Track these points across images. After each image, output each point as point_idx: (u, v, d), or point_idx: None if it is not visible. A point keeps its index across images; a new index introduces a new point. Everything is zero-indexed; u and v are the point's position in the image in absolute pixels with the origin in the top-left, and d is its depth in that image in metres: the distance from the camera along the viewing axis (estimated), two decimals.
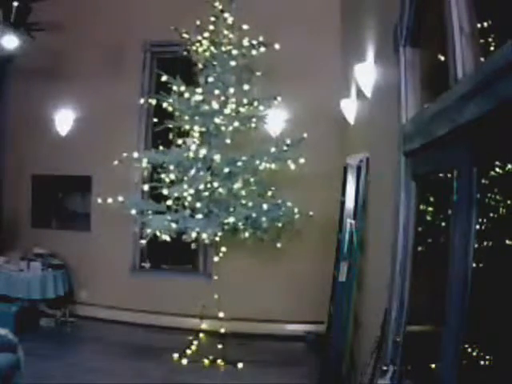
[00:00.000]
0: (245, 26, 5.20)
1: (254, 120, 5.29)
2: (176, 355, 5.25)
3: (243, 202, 5.12)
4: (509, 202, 1.60)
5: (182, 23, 6.64)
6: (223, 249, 5.25)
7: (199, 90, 5.12)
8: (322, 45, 6.37)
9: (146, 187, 5.26)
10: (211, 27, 5.30)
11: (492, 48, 1.65)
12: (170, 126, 5.30)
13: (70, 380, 4.58)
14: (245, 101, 5.22)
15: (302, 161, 5.13)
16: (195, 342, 5.44)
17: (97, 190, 6.99)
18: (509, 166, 1.54)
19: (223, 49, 5.21)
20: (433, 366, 1.87)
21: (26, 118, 7.17)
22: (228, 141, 5.14)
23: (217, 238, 5.09)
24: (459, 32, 1.72)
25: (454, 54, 1.73)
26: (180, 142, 5.30)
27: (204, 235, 4.98)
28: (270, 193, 5.35)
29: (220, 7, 5.26)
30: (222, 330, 5.32)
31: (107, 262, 6.78)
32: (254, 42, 5.25)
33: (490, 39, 1.68)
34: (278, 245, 5.15)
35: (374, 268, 3.74)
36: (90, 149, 6.89)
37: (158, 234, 4.94)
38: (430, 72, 2.42)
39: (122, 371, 4.92)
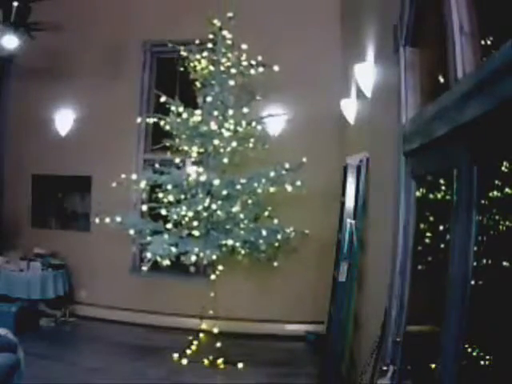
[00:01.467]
0: (244, 46, 5.17)
1: (251, 140, 5.26)
2: (176, 355, 5.25)
3: (242, 225, 5.11)
4: (507, 222, 1.60)
5: (182, 23, 6.66)
6: (220, 267, 5.22)
7: (198, 112, 5.10)
8: (321, 45, 6.37)
9: (144, 207, 5.22)
10: (210, 45, 5.27)
11: (492, 48, 1.65)
12: (167, 144, 5.28)
13: (70, 380, 4.57)
14: (243, 123, 5.19)
15: (298, 183, 5.09)
16: (195, 342, 5.43)
17: (97, 190, 7.01)
18: (507, 189, 1.55)
19: (222, 68, 5.18)
20: (433, 365, 1.86)
21: (26, 117, 7.17)
22: (225, 160, 5.14)
23: (214, 257, 5.07)
24: (459, 32, 1.71)
25: (454, 53, 1.73)
26: (178, 160, 5.29)
27: (201, 254, 4.93)
28: (266, 213, 5.31)
29: (219, 24, 5.23)
30: (218, 344, 5.27)
31: (107, 261, 6.78)
32: (253, 63, 5.21)
33: (490, 39, 1.68)
34: (275, 264, 5.12)
35: (373, 268, 3.74)
36: (90, 149, 6.89)
37: (158, 259, 4.88)
38: (429, 72, 2.42)
39: (122, 371, 4.92)
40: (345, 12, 6.15)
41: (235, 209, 5.03)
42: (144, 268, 4.94)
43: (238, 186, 5.02)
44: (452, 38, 1.75)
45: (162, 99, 5.25)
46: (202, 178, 4.92)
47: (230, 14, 5.19)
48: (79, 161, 6.97)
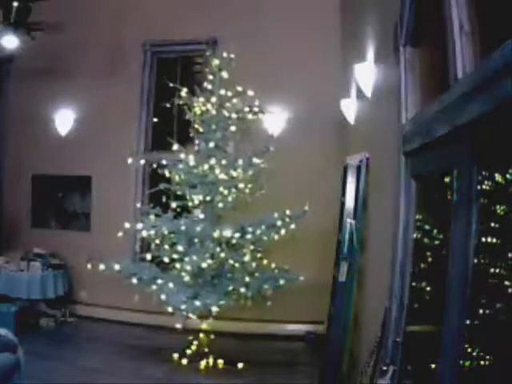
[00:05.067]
0: (250, 93, 5.16)
1: (249, 186, 5.24)
2: (176, 355, 5.25)
3: (257, 274, 5.09)
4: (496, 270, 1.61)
5: (183, 23, 6.66)
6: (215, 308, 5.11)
7: (213, 161, 5.06)
8: (321, 45, 6.37)
9: (148, 256, 5.08)
10: (209, 86, 5.27)
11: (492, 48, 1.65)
12: (162, 187, 5.21)
13: (70, 380, 4.57)
14: (250, 172, 5.18)
15: (292, 226, 5.12)
16: (195, 342, 5.43)
17: (97, 190, 7.02)
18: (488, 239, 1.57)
19: (226, 114, 5.19)
20: (433, 365, 1.86)
21: (26, 118, 7.17)
22: (221, 205, 5.15)
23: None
24: (459, 31, 1.71)
25: (454, 53, 1.73)
26: (174, 205, 5.23)
27: (215, 308, 4.88)
28: (259, 254, 5.26)
29: (217, 62, 5.23)
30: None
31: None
32: (256, 109, 5.24)
33: (490, 39, 1.68)
34: (269, 303, 5.06)
35: (373, 268, 3.74)
36: (90, 149, 6.89)
37: (184, 313, 4.82)
38: (430, 72, 2.42)
39: (122, 371, 4.92)
40: (345, 12, 6.15)
41: (247, 258, 5.02)
42: (178, 326, 4.84)
43: (249, 236, 4.99)
44: (452, 38, 1.75)
45: (175, 147, 5.20)
46: (226, 233, 4.86)
47: (231, 55, 5.17)
48: (79, 161, 6.97)
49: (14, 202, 7.34)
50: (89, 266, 5.01)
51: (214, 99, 5.17)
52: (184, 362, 5.16)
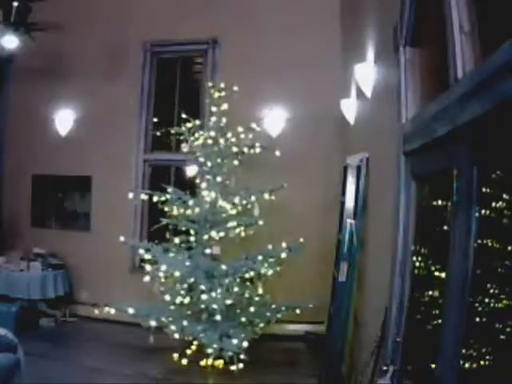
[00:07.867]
0: (258, 129, 5.31)
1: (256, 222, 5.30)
2: (176, 355, 5.25)
3: (273, 306, 5.25)
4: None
5: (183, 23, 6.67)
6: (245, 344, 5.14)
7: (236, 200, 5.15)
8: (321, 45, 6.37)
9: (167, 297, 5.08)
10: (213, 118, 5.33)
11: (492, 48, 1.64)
12: (163, 221, 5.28)
13: (70, 380, 4.58)
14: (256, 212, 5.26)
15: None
16: (195, 342, 5.43)
17: (97, 190, 7.02)
18: None
19: (235, 149, 5.26)
20: (433, 365, 1.86)
21: (26, 118, 7.17)
22: (221, 233, 5.20)
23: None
24: (459, 31, 1.71)
25: (454, 53, 1.73)
26: (177, 240, 5.25)
27: (245, 343, 4.94)
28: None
29: (220, 94, 5.29)
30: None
31: (107, 261, 6.78)
32: (257, 144, 5.33)
33: (490, 39, 1.68)
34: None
35: (374, 268, 3.73)
36: (90, 149, 6.90)
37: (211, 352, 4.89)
38: (429, 72, 2.42)
39: (122, 371, 4.92)
40: (345, 12, 6.15)
41: (260, 290, 5.13)
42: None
43: (263, 271, 5.06)
44: (452, 38, 1.75)
45: (200, 188, 5.30)
46: (267, 271, 4.98)
47: (234, 88, 5.20)
48: (79, 161, 6.98)
49: (14, 202, 7.35)
50: (96, 311, 5.02)
51: (229, 134, 5.28)
52: (184, 362, 5.16)
